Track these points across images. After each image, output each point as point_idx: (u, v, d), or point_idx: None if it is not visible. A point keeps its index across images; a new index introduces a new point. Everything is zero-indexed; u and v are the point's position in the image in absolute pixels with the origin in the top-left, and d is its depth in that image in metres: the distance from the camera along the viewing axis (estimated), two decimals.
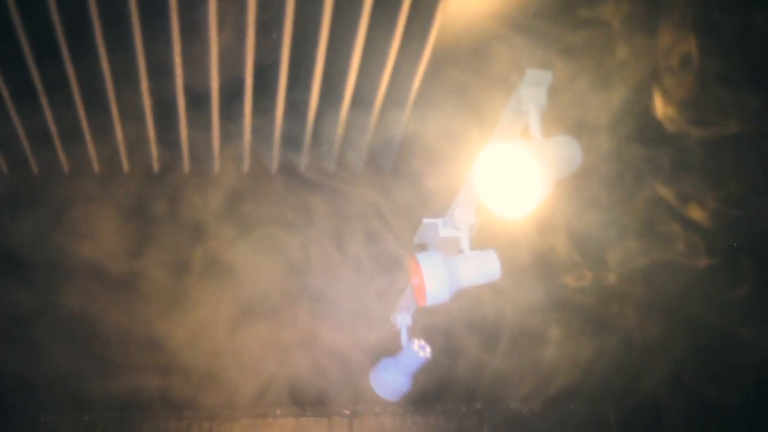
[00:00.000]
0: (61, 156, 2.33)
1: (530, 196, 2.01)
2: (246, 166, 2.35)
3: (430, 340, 3.31)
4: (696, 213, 2.63)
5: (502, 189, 2.07)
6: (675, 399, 4.57)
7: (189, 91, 2.04)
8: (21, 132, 2.26)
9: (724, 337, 3.68)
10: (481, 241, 2.67)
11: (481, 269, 2.54)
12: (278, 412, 4.30)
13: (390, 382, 3.24)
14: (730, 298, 3.31)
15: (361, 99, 2.14)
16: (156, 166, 2.24)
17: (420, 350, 3.18)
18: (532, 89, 2.09)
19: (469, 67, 2.11)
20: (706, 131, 2.21)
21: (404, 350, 3.20)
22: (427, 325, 3.55)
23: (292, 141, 2.29)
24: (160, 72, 1.99)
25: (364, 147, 2.30)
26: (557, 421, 4.49)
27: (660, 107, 2.17)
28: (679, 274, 3.06)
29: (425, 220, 2.66)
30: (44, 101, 2.08)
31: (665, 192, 2.50)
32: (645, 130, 2.30)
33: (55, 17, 1.84)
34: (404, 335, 3.24)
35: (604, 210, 2.71)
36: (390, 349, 3.38)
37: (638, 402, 4.56)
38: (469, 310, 3.58)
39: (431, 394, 4.31)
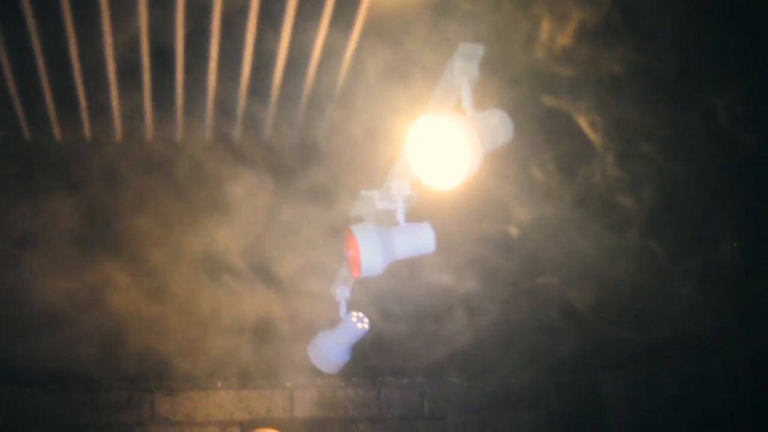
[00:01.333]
0: None
1: (460, 168, 2.03)
2: (179, 134, 2.34)
3: (370, 314, 3.33)
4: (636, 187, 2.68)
5: (433, 161, 2.09)
6: (612, 370, 4.66)
7: (119, 57, 2.02)
8: None
9: (660, 309, 3.74)
10: (419, 215, 2.69)
11: (416, 242, 2.55)
12: (219, 384, 4.31)
13: (327, 354, 3.25)
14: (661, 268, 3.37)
15: (294, 70, 2.14)
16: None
17: (358, 322, 3.20)
18: (464, 63, 2.10)
19: (402, 40, 2.12)
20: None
21: (342, 322, 3.22)
22: (369, 298, 3.56)
23: (225, 110, 2.28)
24: (90, 38, 1.97)
25: (297, 119, 2.29)
26: (496, 394, 4.55)
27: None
28: (614, 245, 3.11)
29: (362, 193, 2.66)
30: None
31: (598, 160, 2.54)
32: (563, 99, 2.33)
33: None
34: (343, 307, 3.26)
35: (536, 184, 2.74)
36: (332, 322, 3.39)
37: (577, 373, 4.64)
38: (410, 283, 3.60)
39: (373, 367, 4.34)
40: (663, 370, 4.55)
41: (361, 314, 3.23)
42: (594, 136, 2.44)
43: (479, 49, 2.09)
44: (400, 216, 2.60)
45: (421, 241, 2.56)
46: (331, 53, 2.10)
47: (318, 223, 3.04)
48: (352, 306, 3.30)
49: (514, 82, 2.29)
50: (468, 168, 2.03)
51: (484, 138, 2.07)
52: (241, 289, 3.66)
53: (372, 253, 2.49)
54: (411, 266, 3.31)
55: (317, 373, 4.21)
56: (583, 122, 2.40)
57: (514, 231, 3.12)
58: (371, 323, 3.44)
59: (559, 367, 4.60)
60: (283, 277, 3.64)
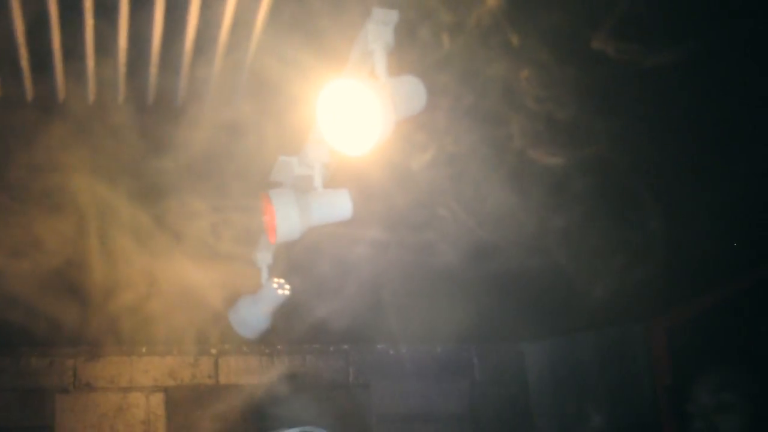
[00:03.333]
0: None
1: (371, 134, 2.03)
2: (91, 96, 2.31)
3: (294, 281, 3.34)
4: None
5: (345, 126, 2.09)
6: (536, 340, 4.73)
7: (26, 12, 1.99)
8: None
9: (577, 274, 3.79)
10: (339, 182, 2.69)
11: (333, 208, 2.56)
12: (144, 350, 4.29)
13: (248, 319, 3.26)
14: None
15: (206, 31, 2.12)
16: None
17: (279, 288, 3.20)
18: (379, 28, 2.10)
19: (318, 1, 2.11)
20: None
21: (263, 288, 3.22)
22: (294, 265, 3.56)
23: (136, 71, 2.25)
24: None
25: (211, 81, 2.28)
26: (422, 362, 4.60)
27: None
28: (530, 210, 3.15)
29: (281, 158, 2.66)
30: None
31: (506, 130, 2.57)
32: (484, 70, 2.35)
33: None
34: (264, 274, 3.26)
35: (456, 154, 2.75)
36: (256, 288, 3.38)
37: (500, 343, 4.71)
38: (338, 250, 3.61)
39: (299, 334, 4.35)
40: (585, 339, 4.63)
41: (282, 281, 3.24)
42: (515, 103, 2.45)
43: (393, 15, 2.10)
44: (318, 182, 2.60)
45: (338, 207, 2.57)
46: (244, 17, 2.08)
47: (239, 189, 3.03)
48: (276, 273, 3.31)
49: (430, 49, 2.29)
50: (379, 134, 2.04)
51: (397, 104, 2.08)
52: (167, 255, 3.64)
53: (287, 218, 2.49)
54: (335, 233, 3.32)
55: (243, 340, 4.22)
56: (502, 89, 2.41)
57: (434, 199, 3.14)
58: (296, 290, 3.45)
59: (483, 338, 4.66)
60: (208, 243, 3.62)
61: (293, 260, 3.50)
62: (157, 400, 4.20)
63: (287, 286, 3.23)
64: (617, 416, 4.62)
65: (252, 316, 3.27)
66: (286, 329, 4.14)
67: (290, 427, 2.76)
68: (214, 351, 4.35)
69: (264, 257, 3.27)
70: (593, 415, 4.62)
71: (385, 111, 2.02)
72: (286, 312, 3.74)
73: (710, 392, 2.30)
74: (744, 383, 2.14)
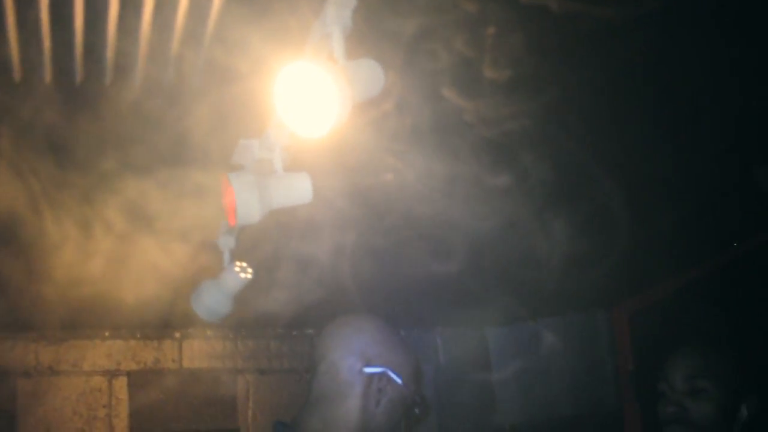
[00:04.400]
0: None
1: (328, 117, 2.03)
2: (48, 75, 2.29)
3: (259, 264, 3.33)
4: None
5: (302, 108, 2.09)
6: (500, 325, 4.76)
7: None
8: None
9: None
10: (301, 166, 2.69)
11: (293, 191, 2.56)
12: (107, 334, 4.27)
13: (210, 303, 3.24)
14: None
15: (162, 14, 2.11)
16: None
17: (241, 272, 3.20)
18: (337, 11, 2.10)
19: None
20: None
21: (225, 272, 3.21)
22: (257, 249, 3.56)
23: (92, 54, 2.24)
24: None
25: (168, 63, 2.27)
26: None
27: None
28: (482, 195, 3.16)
29: (241, 141, 2.65)
30: None
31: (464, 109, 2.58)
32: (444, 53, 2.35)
33: None
34: (226, 257, 3.25)
35: (416, 139, 2.76)
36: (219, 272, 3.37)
37: (464, 328, 4.73)
38: (301, 235, 3.61)
39: (263, 319, 4.35)
40: (549, 324, 4.66)
41: (244, 264, 3.23)
42: (473, 79, 2.46)
43: None
44: (278, 165, 2.59)
45: (298, 190, 2.57)
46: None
47: (200, 172, 3.02)
48: (238, 257, 3.30)
49: (390, 34, 2.29)
50: (336, 117, 2.04)
51: (354, 87, 2.08)
52: (130, 240, 3.62)
53: (247, 200, 2.49)
54: (298, 217, 3.32)
55: (207, 324, 4.21)
56: (461, 66, 2.41)
57: (392, 183, 3.15)
58: (259, 275, 3.45)
59: (446, 322, 4.68)
60: (172, 227, 3.61)
61: (256, 244, 3.50)
62: (120, 383, 4.19)
63: (249, 270, 3.23)
64: (580, 401, 4.66)
65: (214, 300, 3.26)
66: (250, 314, 4.14)
67: None
68: (177, 335, 4.34)
69: (226, 241, 3.26)
70: (557, 400, 4.66)
71: (342, 94, 2.02)
72: (250, 296, 3.74)
73: (671, 377, 2.31)
74: (706, 367, 2.15)
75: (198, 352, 4.34)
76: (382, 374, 2.40)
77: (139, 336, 4.30)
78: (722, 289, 4.04)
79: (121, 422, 4.14)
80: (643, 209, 3.58)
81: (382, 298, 4.27)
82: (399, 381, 2.43)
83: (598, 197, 3.33)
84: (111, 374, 4.20)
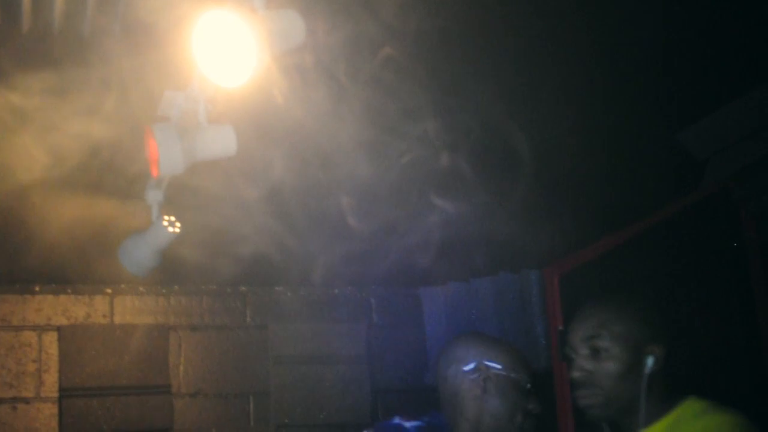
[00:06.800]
0: None
1: (246, 66, 2.04)
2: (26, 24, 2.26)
3: (189, 219, 3.33)
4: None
5: (220, 57, 2.09)
6: (433, 286, 4.80)
7: None
8: None
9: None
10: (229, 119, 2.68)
11: (217, 143, 2.57)
12: (37, 288, 4.24)
13: (137, 256, 3.25)
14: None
15: None
16: None
17: (169, 226, 3.20)
18: None
19: None
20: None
21: (153, 226, 3.21)
22: (190, 204, 3.55)
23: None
24: None
25: (86, 14, 2.25)
26: (319, 305, 4.64)
27: None
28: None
29: (166, 93, 2.64)
30: None
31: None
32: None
33: None
34: (154, 211, 3.24)
35: (345, 97, 2.77)
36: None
37: (398, 287, 4.77)
38: (235, 190, 3.60)
39: (196, 275, 4.34)
40: (481, 285, 4.71)
41: (173, 218, 3.23)
42: (395, 30, 2.47)
43: None
44: (202, 116, 2.60)
45: (222, 142, 2.58)
46: None
47: (129, 126, 3.00)
48: (169, 211, 3.29)
49: None
50: (255, 66, 2.05)
51: (274, 37, 2.09)
52: (60, 193, 3.59)
53: (169, 151, 2.49)
54: (232, 171, 3.32)
55: (139, 280, 4.20)
56: (384, 16, 2.42)
57: (332, 138, 3.15)
58: (192, 230, 3.45)
59: (381, 281, 4.71)
60: (100, 179, 3.59)
61: (189, 199, 3.49)
62: (50, 338, 4.16)
63: (178, 224, 3.23)
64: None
65: (141, 254, 3.26)
66: (183, 270, 4.13)
67: None
68: (109, 290, 4.32)
69: (154, 195, 3.25)
70: None
71: (261, 43, 2.03)
72: (184, 253, 3.73)
73: (572, 341, 2.35)
74: (602, 326, 2.18)
75: (130, 308, 4.32)
76: (478, 365, 2.94)
77: (69, 291, 4.27)
78: (648, 252, 4.11)
79: (51, 377, 4.12)
80: (570, 173, 3.63)
81: (315, 257, 4.28)
82: (498, 366, 2.96)
83: (524, 159, 3.37)
84: (41, 329, 4.18)
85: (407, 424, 2.98)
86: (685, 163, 3.59)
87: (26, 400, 4.08)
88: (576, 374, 2.10)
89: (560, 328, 4.60)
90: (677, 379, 2.17)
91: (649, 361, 2.11)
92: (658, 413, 2.04)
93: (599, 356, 2.13)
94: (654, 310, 2.16)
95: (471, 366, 2.99)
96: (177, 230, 3.19)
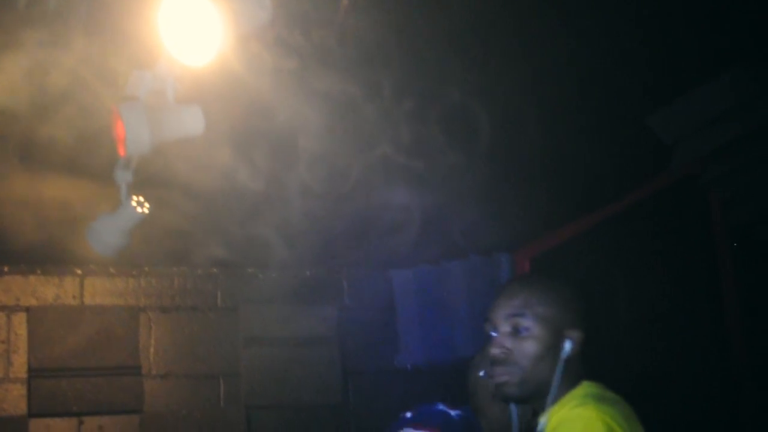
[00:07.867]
0: None
1: (211, 44, 2.04)
2: None
3: (161, 199, 3.32)
4: None
5: (185, 36, 2.09)
6: (405, 268, 4.82)
7: None
8: None
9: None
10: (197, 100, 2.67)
11: (183, 123, 2.56)
12: (6, 269, 4.22)
13: (105, 236, 3.23)
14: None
15: None
16: None
17: (138, 206, 3.18)
18: None
19: None
20: None
21: (122, 206, 3.19)
22: (161, 185, 3.53)
23: None
24: None
25: None
26: (291, 286, 4.64)
27: None
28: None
29: (134, 72, 2.63)
30: None
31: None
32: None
33: None
34: (123, 191, 3.23)
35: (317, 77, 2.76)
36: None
37: (369, 270, 4.78)
38: (203, 171, 3.59)
39: (167, 256, 4.34)
40: (453, 267, 4.74)
41: (141, 198, 3.22)
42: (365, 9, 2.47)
43: None
44: (170, 96, 2.59)
45: (188, 122, 2.57)
46: None
47: (97, 106, 2.98)
48: (138, 192, 3.28)
49: None
50: (220, 45, 2.04)
51: (238, 16, 2.08)
52: (28, 173, 3.57)
53: (136, 131, 2.48)
54: (200, 153, 3.31)
55: (110, 261, 4.19)
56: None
57: (300, 119, 3.15)
58: (164, 212, 3.44)
59: (353, 263, 4.73)
60: (71, 161, 3.56)
61: (159, 180, 3.48)
62: (19, 319, 4.15)
63: (147, 205, 3.22)
64: (482, 343, 4.75)
65: (110, 234, 3.24)
66: (154, 251, 4.12)
67: None
68: (79, 271, 4.31)
69: (123, 175, 3.23)
70: (459, 342, 4.74)
71: (225, 22, 2.03)
72: (155, 234, 3.72)
73: (494, 318, 2.35)
74: (525, 306, 2.17)
75: (100, 289, 4.31)
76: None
77: (39, 272, 4.26)
78: (616, 235, 4.15)
79: (20, 358, 4.11)
80: (540, 156, 3.65)
81: (286, 239, 4.28)
82: None
83: (492, 141, 3.38)
84: (10, 309, 4.16)
85: (452, 412, 2.96)
86: (654, 147, 3.61)
87: None
88: (495, 351, 2.09)
89: None
90: (592, 365, 2.19)
91: (567, 345, 2.11)
92: (561, 396, 2.06)
93: (520, 335, 2.12)
94: (578, 295, 2.15)
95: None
96: (146, 210, 3.18)
